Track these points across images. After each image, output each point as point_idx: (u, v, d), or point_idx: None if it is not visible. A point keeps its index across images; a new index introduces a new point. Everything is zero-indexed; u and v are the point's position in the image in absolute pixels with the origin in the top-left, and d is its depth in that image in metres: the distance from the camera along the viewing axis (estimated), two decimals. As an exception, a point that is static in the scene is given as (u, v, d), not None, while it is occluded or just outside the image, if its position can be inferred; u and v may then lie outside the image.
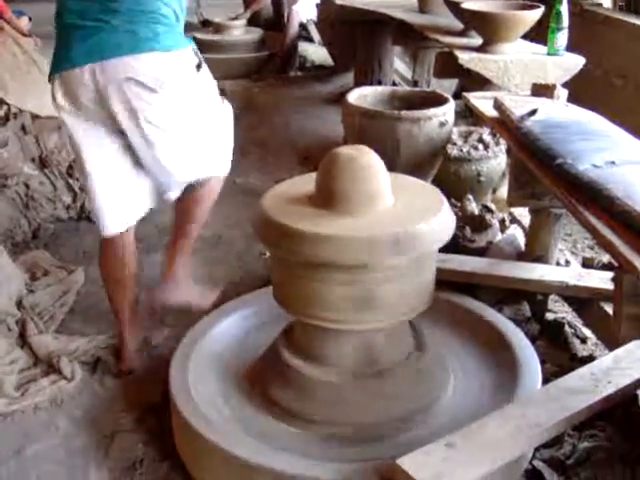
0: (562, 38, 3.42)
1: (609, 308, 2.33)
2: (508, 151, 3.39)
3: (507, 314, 2.55)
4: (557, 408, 1.80)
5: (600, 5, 4.59)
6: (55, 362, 2.48)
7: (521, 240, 2.95)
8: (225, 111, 2.55)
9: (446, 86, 4.64)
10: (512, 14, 3.54)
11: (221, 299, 2.70)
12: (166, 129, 2.28)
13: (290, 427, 2.08)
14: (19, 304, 2.80)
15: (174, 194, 2.49)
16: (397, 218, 1.95)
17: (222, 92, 5.10)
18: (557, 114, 2.61)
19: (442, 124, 3.19)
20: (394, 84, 5.41)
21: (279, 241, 1.94)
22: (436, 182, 3.20)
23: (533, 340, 2.42)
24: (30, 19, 6.27)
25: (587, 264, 2.86)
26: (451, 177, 3.47)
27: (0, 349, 2.50)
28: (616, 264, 1.93)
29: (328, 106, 5.47)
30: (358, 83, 5.06)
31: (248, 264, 3.26)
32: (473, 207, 3.07)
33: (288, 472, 1.81)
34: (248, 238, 3.35)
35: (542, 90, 2.85)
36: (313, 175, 2.07)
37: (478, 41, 3.70)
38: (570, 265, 2.86)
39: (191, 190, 2.51)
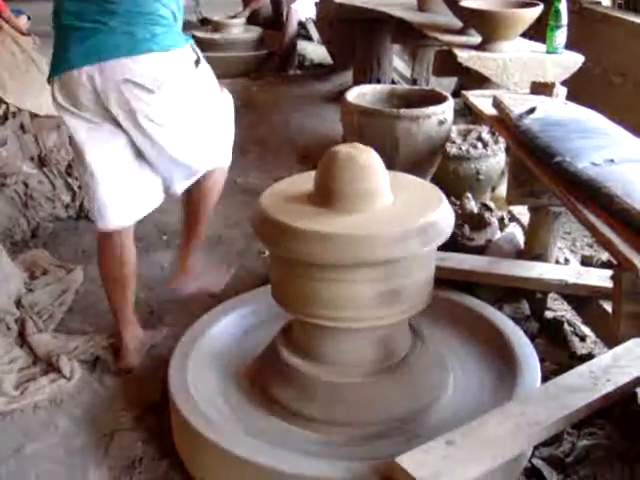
0: (561, 36, 3.42)
1: (608, 306, 2.33)
2: (507, 149, 3.39)
3: (506, 312, 2.55)
4: (556, 406, 1.80)
5: (599, 3, 4.58)
6: (54, 361, 2.48)
7: (520, 238, 2.95)
8: (225, 101, 2.57)
9: (445, 84, 4.64)
10: (511, 12, 3.54)
11: (225, 292, 2.76)
12: (168, 126, 2.28)
13: (290, 425, 2.08)
14: (18, 303, 2.80)
15: (180, 187, 2.49)
16: (396, 216, 1.95)
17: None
18: (556, 112, 2.61)
19: (441, 122, 3.19)
20: (393, 82, 5.41)
21: (278, 239, 1.94)
22: (435, 180, 3.21)
23: (532, 338, 2.42)
24: (29, 18, 6.27)
25: (586, 262, 2.86)
26: (450, 175, 3.47)
27: (-1, 348, 2.51)
28: (615, 262, 1.93)
29: (327, 104, 5.47)
30: (357, 81, 5.06)
31: (247, 263, 3.26)
32: (472, 205, 3.07)
33: (287, 471, 1.81)
34: (248, 237, 3.35)
35: (541, 88, 2.85)
36: (312, 173, 2.07)
37: (477, 39, 3.70)
38: (569, 263, 2.86)
39: (197, 185, 2.54)
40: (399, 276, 1.95)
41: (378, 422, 2.05)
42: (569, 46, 3.50)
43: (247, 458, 1.84)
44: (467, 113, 3.97)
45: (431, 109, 3.18)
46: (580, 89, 3.19)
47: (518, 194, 2.69)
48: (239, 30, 6.93)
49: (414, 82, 5.43)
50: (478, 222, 2.94)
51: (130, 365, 2.52)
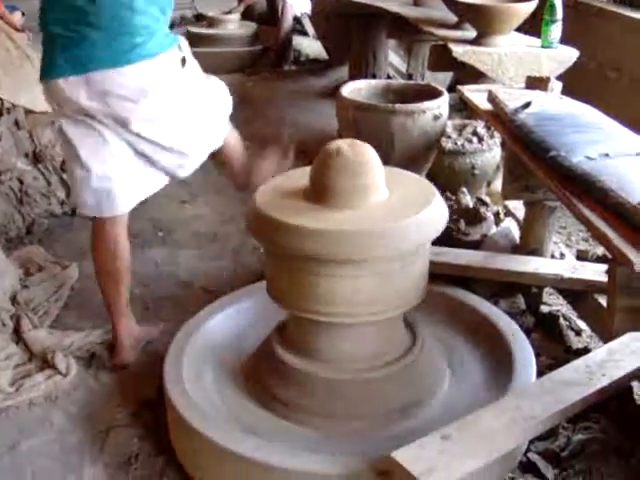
0: (556, 31, 3.42)
1: (604, 300, 2.33)
2: (502, 144, 3.39)
3: (502, 307, 2.55)
4: (552, 400, 1.81)
5: (594, -3, 4.58)
6: (50, 357, 2.48)
7: (516, 233, 2.95)
8: (213, 85, 2.58)
9: (440, 79, 4.63)
10: (506, 7, 3.54)
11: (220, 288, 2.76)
12: (160, 125, 2.29)
13: (285, 422, 2.08)
14: (13, 299, 2.79)
15: (184, 173, 2.50)
16: (390, 212, 1.95)
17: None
18: (551, 107, 2.61)
19: (436, 117, 3.19)
20: (389, 77, 5.41)
21: (272, 236, 1.94)
22: (431, 175, 3.21)
23: (528, 333, 2.42)
24: (23, 14, 6.24)
25: (582, 257, 2.86)
26: (445, 170, 3.47)
27: (-6, 345, 2.50)
28: (610, 256, 1.93)
29: (323, 100, 5.46)
30: (353, 76, 5.06)
31: (243, 259, 3.26)
32: (468, 200, 3.07)
33: (283, 466, 1.81)
34: (243, 233, 3.35)
35: (536, 83, 2.86)
36: (307, 169, 2.06)
37: (472, 34, 3.70)
38: (565, 258, 2.86)
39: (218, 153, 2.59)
40: (393, 271, 1.95)
41: (375, 417, 2.05)
42: (564, 40, 3.51)
43: (243, 454, 1.84)
44: (462, 108, 3.97)
45: (426, 104, 3.17)
46: (575, 84, 3.20)
47: (513, 189, 2.69)
48: (234, 26, 6.91)
49: (410, 77, 5.43)
50: (474, 217, 2.94)
51: (126, 361, 2.52)
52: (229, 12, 7.15)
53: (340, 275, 1.92)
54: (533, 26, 3.65)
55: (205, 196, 3.96)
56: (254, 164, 2.73)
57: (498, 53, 3.50)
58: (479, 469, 1.65)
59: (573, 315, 2.67)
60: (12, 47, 4.01)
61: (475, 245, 2.81)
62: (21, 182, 3.58)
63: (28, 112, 3.76)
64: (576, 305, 2.62)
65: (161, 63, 2.24)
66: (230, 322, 2.47)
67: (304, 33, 7.10)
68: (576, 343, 2.54)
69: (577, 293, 2.55)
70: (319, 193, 1.98)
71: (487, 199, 3.15)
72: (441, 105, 3.22)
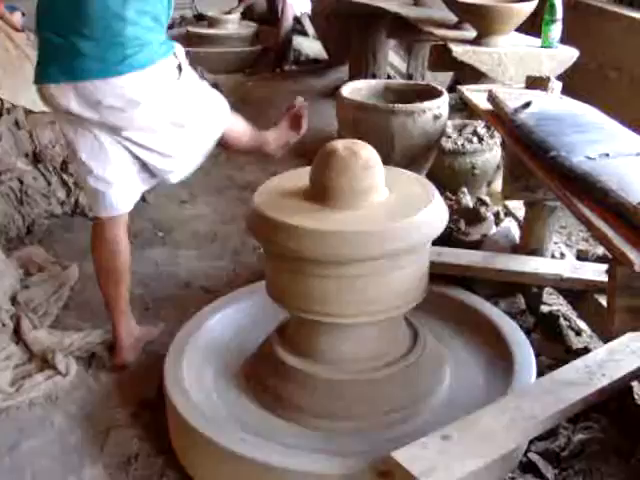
0: (556, 30, 3.42)
1: (604, 300, 2.32)
2: (502, 144, 3.38)
3: (502, 307, 2.55)
4: (552, 400, 1.81)
5: (594, -3, 4.58)
6: (50, 357, 2.48)
7: (516, 233, 2.95)
8: (206, 90, 2.54)
9: (441, 79, 4.63)
10: (506, 7, 3.54)
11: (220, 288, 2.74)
12: (153, 132, 2.30)
13: (286, 422, 2.08)
14: (13, 300, 2.79)
15: (175, 178, 2.50)
16: (391, 212, 1.95)
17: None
18: (551, 107, 2.61)
19: (436, 117, 3.19)
20: (389, 77, 5.41)
21: (271, 236, 1.94)
22: (431, 175, 3.20)
23: (528, 333, 2.42)
24: (23, 14, 6.23)
25: (582, 256, 2.86)
26: (446, 170, 3.47)
27: (-6, 345, 2.50)
28: (610, 256, 1.93)
29: (323, 100, 5.45)
30: (353, 77, 5.06)
31: (243, 259, 3.26)
32: (468, 200, 3.07)
33: (283, 466, 1.81)
34: (243, 233, 3.35)
35: (536, 83, 2.85)
36: (307, 169, 2.06)
37: (472, 34, 3.70)
38: (565, 258, 2.86)
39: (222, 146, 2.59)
40: (394, 272, 1.95)
41: (375, 418, 2.05)
42: (564, 40, 3.50)
43: (243, 454, 1.84)
44: (463, 108, 3.96)
45: (426, 104, 3.17)
46: (575, 83, 3.19)
47: (514, 189, 2.69)
48: (234, 25, 6.91)
49: (410, 77, 5.42)
50: (474, 217, 2.94)
51: (126, 361, 2.52)
52: (229, 12, 7.15)
53: (340, 276, 1.92)
54: (533, 26, 3.65)
55: (205, 196, 3.96)
56: (266, 134, 2.76)
57: (498, 53, 3.49)
58: (479, 469, 1.65)
59: (573, 315, 2.66)
60: (12, 47, 4.01)
61: (475, 245, 2.81)
62: (21, 182, 3.57)
63: (28, 112, 3.76)
64: (576, 305, 2.62)
65: (153, 73, 2.22)
66: (230, 322, 2.47)
67: (304, 33, 7.09)
68: (576, 343, 2.54)
69: (577, 293, 2.55)
70: (319, 193, 1.98)
71: (487, 199, 3.15)
72: (441, 105, 3.22)
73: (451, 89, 3.75)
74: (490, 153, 3.53)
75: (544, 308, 2.70)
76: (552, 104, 2.65)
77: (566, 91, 2.88)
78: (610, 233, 1.80)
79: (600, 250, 2.84)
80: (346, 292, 1.94)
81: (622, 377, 1.91)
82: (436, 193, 2.07)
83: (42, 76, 2.24)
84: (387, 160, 2.21)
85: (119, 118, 2.22)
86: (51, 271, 3.03)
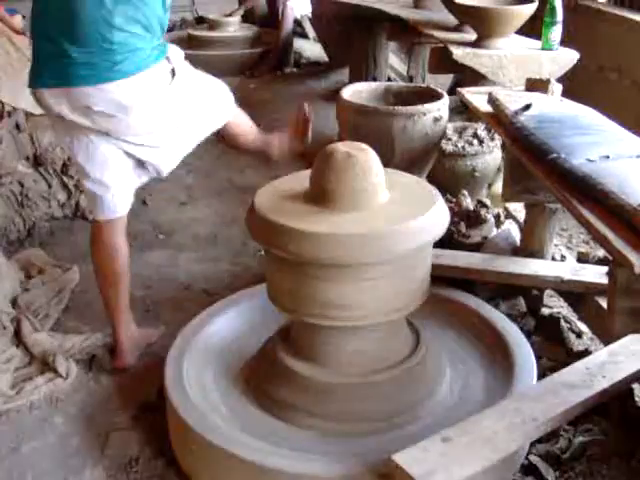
0: (556, 32, 3.42)
1: (604, 303, 2.32)
2: (503, 146, 3.38)
3: (503, 309, 2.55)
4: (553, 403, 1.80)
5: (594, -1, 4.59)
6: (50, 360, 2.48)
7: (516, 235, 2.95)
8: (209, 86, 2.57)
9: (441, 82, 4.64)
10: (506, 9, 3.54)
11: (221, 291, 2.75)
12: (146, 134, 2.31)
13: (287, 425, 2.08)
14: (14, 302, 2.79)
15: (167, 170, 2.51)
16: (391, 215, 1.95)
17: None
18: (551, 109, 2.61)
19: (436, 119, 3.19)
20: (389, 80, 5.41)
21: (272, 239, 1.94)
22: (431, 178, 3.21)
23: (529, 335, 2.42)
24: (24, 17, 6.24)
25: (582, 259, 2.86)
26: (446, 173, 3.47)
27: (-5, 348, 2.50)
28: (611, 258, 1.93)
29: (323, 102, 5.45)
30: (353, 79, 5.05)
31: (244, 261, 3.26)
32: (468, 202, 3.07)
33: (284, 469, 1.81)
34: (244, 235, 3.34)
35: (536, 85, 2.86)
36: (307, 172, 2.06)
37: (472, 36, 3.70)
38: (565, 260, 2.86)
39: (221, 138, 2.65)
40: (395, 274, 1.95)
41: (376, 421, 2.05)
42: (564, 42, 3.50)
43: (243, 457, 1.84)
44: (463, 110, 3.96)
45: (426, 106, 3.17)
46: (576, 85, 3.20)
47: (514, 191, 2.69)
48: (235, 28, 6.91)
49: (410, 79, 5.42)
50: (474, 219, 2.94)
51: (126, 364, 2.52)
52: (230, 15, 7.15)
53: (341, 279, 1.92)
54: (533, 28, 3.65)
55: (206, 199, 3.96)
56: (272, 137, 2.80)
57: (498, 55, 3.49)
58: (479, 472, 1.64)
59: (574, 317, 2.66)
60: (12, 50, 4.01)
61: (476, 247, 2.81)
62: (22, 185, 3.57)
63: (29, 115, 3.75)
64: (577, 307, 2.62)
65: (144, 79, 2.22)
66: (231, 324, 2.47)
67: (305, 36, 7.10)
68: (577, 345, 2.54)
69: (578, 295, 2.55)
70: (320, 196, 1.98)
71: (488, 201, 3.15)
72: (441, 107, 3.22)
73: (451, 91, 3.75)
74: (490, 155, 3.53)
75: (545, 310, 2.70)
76: (552, 106, 2.65)
77: (566, 93, 2.88)
78: (610, 235, 1.80)
79: (601, 252, 2.84)
80: (347, 295, 1.94)
81: (623, 379, 1.90)
82: (438, 195, 2.07)
83: (35, 80, 2.26)
84: (387, 163, 2.21)
85: (111, 123, 2.23)
86: (52, 274, 3.03)
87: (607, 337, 2.15)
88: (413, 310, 2.07)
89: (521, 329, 2.36)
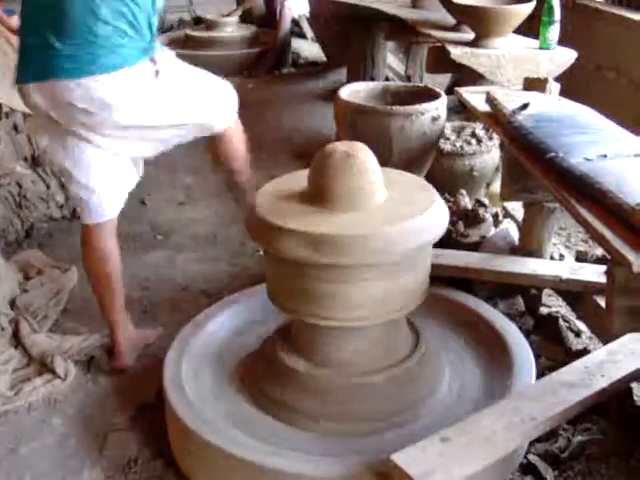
0: (554, 32, 3.42)
1: (603, 302, 2.33)
2: (501, 146, 3.38)
3: (501, 309, 2.55)
4: (551, 402, 1.81)
5: (592, -2, 4.58)
6: (49, 361, 2.48)
7: (515, 234, 2.95)
8: (207, 84, 2.52)
9: (439, 81, 4.64)
10: (504, 8, 3.54)
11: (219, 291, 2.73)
12: (130, 129, 2.28)
13: (286, 425, 2.08)
14: (12, 304, 2.79)
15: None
16: (390, 215, 1.95)
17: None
18: (549, 108, 2.61)
19: (434, 119, 3.19)
20: (387, 79, 5.40)
21: (270, 239, 1.94)
22: (429, 177, 3.20)
23: (527, 334, 2.43)
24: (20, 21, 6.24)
25: (581, 258, 2.86)
26: (444, 172, 3.47)
27: (-6, 349, 2.50)
28: (609, 257, 1.93)
29: (321, 102, 5.46)
30: (351, 79, 5.05)
31: (242, 261, 3.26)
32: (466, 202, 3.07)
33: (283, 469, 1.81)
34: (243, 235, 3.34)
35: (534, 84, 2.85)
36: (305, 172, 2.06)
37: (470, 36, 3.70)
38: (564, 259, 2.86)
39: (214, 147, 2.60)
40: (394, 274, 1.95)
41: (376, 421, 2.05)
42: (562, 42, 3.50)
43: (242, 457, 1.84)
44: (461, 110, 3.96)
45: (424, 106, 3.17)
46: (573, 85, 3.19)
47: (512, 190, 2.69)
48: (232, 28, 6.91)
49: (408, 79, 5.42)
50: (472, 219, 2.93)
51: (124, 365, 2.52)
52: (227, 15, 7.15)
53: (340, 279, 1.92)
54: (531, 27, 3.64)
55: (204, 199, 3.95)
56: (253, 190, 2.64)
57: (496, 55, 3.49)
58: (478, 471, 1.65)
59: (572, 316, 2.66)
60: (10, 51, 4.00)
61: (474, 247, 2.81)
62: (20, 186, 3.57)
63: (27, 116, 3.75)
64: (575, 306, 2.62)
65: (126, 77, 2.19)
66: (229, 325, 2.47)
67: (302, 36, 7.10)
68: (576, 344, 2.54)
69: (576, 294, 2.55)
70: (318, 196, 1.98)
71: (486, 201, 3.15)
72: (439, 107, 3.22)
73: (449, 91, 3.75)
74: (488, 155, 3.53)
75: (543, 310, 2.70)
76: (550, 105, 2.65)
77: (564, 92, 2.88)
78: (609, 234, 1.80)
79: (599, 251, 2.84)
80: (346, 295, 1.94)
81: (621, 378, 1.91)
82: (437, 195, 2.07)
83: (20, 75, 2.25)
84: (385, 162, 2.21)
85: (93, 119, 2.20)
86: (50, 275, 3.03)
87: (606, 336, 2.15)
88: (412, 309, 2.07)
89: (520, 328, 2.36)
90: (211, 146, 2.62)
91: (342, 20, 5.35)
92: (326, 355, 2.09)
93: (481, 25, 3.58)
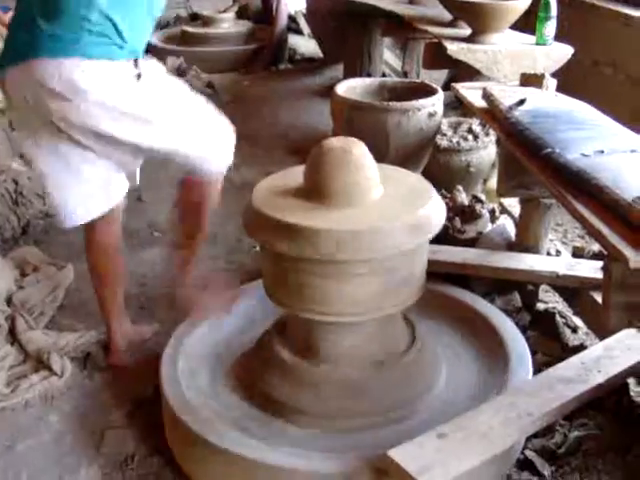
0: (550, 27, 3.43)
1: (599, 297, 2.32)
2: (498, 141, 3.38)
3: (498, 304, 2.55)
4: (548, 397, 1.81)
5: (588, -6, 4.58)
6: (45, 358, 2.48)
7: (511, 230, 2.95)
8: (201, 108, 2.38)
9: (435, 77, 4.63)
10: (500, 4, 3.54)
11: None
12: (103, 125, 2.14)
13: (282, 420, 2.08)
14: (9, 300, 2.78)
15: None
16: (386, 211, 1.95)
17: (211, 85, 5.07)
18: (546, 104, 2.61)
19: (431, 115, 3.19)
20: (384, 75, 5.40)
21: (266, 234, 1.94)
22: (426, 173, 3.20)
23: (524, 330, 2.43)
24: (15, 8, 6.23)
25: (577, 254, 2.86)
26: (441, 168, 3.47)
27: (-11, 346, 2.50)
28: (605, 253, 1.93)
29: (318, 99, 5.46)
30: (348, 75, 5.05)
31: (239, 258, 3.26)
32: (463, 198, 3.07)
33: (279, 465, 1.81)
34: (239, 232, 3.34)
35: (531, 80, 2.85)
36: (302, 168, 2.06)
37: (467, 31, 3.70)
38: (560, 255, 2.86)
39: (181, 193, 2.44)
40: (390, 270, 1.95)
41: (372, 416, 2.05)
42: (559, 37, 3.50)
43: (239, 454, 1.84)
44: (458, 106, 3.96)
45: (421, 102, 3.17)
46: (570, 80, 3.19)
47: (509, 186, 2.69)
48: (229, 24, 6.90)
49: (405, 75, 5.42)
50: (469, 215, 2.93)
51: (121, 361, 2.52)
52: (224, 11, 7.14)
53: (336, 274, 1.92)
54: (528, 23, 3.64)
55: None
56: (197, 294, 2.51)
57: (493, 50, 3.49)
58: (475, 467, 1.65)
59: (569, 312, 2.66)
60: (5, 47, 4.00)
61: (471, 243, 2.81)
62: (16, 183, 3.56)
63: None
64: (572, 302, 2.62)
65: (105, 69, 2.09)
66: (226, 321, 2.46)
67: (299, 32, 7.09)
68: (572, 340, 2.54)
69: (573, 290, 2.55)
70: (314, 192, 1.97)
71: (482, 197, 3.15)
72: (436, 103, 3.22)
73: (446, 87, 3.75)
74: (485, 151, 3.53)
75: (540, 305, 2.70)
76: (547, 101, 2.65)
77: (561, 88, 2.88)
78: (605, 230, 1.80)
79: (596, 247, 2.84)
80: (342, 291, 1.94)
81: (618, 374, 1.91)
82: (433, 191, 2.07)
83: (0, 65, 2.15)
84: (382, 158, 2.21)
85: (68, 108, 2.07)
86: (46, 272, 3.02)
87: (602, 332, 2.15)
88: (409, 305, 2.07)
89: (516, 324, 2.37)
90: (185, 188, 2.43)
91: (339, 16, 5.35)
92: (322, 350, 2.09)
93: (478, 21, 3.58)
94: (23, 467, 2.12)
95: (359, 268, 1.91)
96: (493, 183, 3.25)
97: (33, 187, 3.60)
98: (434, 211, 2.00)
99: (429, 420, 1.98)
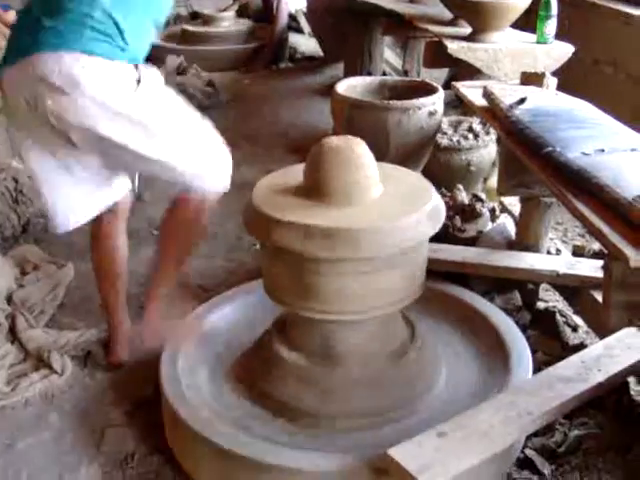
0: (551, 26, 3.43)
1: (600, 296, 2.32)
2: (498, 140, 3.38)
3: (498, 303, 2.55)
4: (548, 396, 1.81)
5: (589, -7, 4.58)
6: (45, 356, 2.48)
7: (511, 229, 2.95)
8: (197, 126, 2.32)
9: (436, 76, 4.63)
10: (501, 3, 3.54)
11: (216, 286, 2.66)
12: (97, 122, 2.10)
13: (282, 419, 2.08)
14: (9, 299, 2.79)
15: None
16: (386, 209, 1.95)
17: (211, 84, 5.06)
18: (546, 102, 2.61)
19: (431, 114, 3.19)
20: (384, 74, 5.40)
21: (266, 233, 1.93)
22: (426, 172, 3.20)
23: (524, 329, 2.43)
24: (17, 12, 6.22)
25: (578, 252, 2.86)
26: (441, 167, 3.47)
27: (-10, 344, 2.50)
28: (606, 252, 1.93)
29: (318, 97, 5.46)
30: (348, 74, 5.05)
31: (239, 257, 3.26)
32: (463, 197, 3.07)
33: (280, 464, 1.81)
34: (239, 230, 3.34)
35: (531, 78, 2.85)
36: (302, 166, 2.06)
37: (467, 30, 3.70)
38: (561, 254, 2.86)
39: (177, 207, 2.38)
40: (390, 268, 1.95)
41: (371, 414, 2.05)
42: (559, 36, 3.50)
43: (239, 453, 1.84)
44: (458, 104, 3.96)
45: (421, 100, 3.17)
46: (571, 79, 3.19)
47: (509, 185, 2.69)
48: (229, 23, 6.90)
49: (405, 74, 5.42)
50: (469, 213, 2.93)
51: (121, 360, 2.52)
52: (224, 10, 7.14)
53: (336, 273, 1.92)
54: (528, 22, 3.64)
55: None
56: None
57: (493, 49, 3.49)
58: (475, 466, 1.65)
59: (569, 311, 2.66)
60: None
61: (471, 241, 2.81)
62: (16, 181, 3.56)
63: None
64: (572, 301, 2.62)
65: (105, 67, 2.07)
66: (226, 320, 2.46)
67: (299, 30, 7.09)
68: (572, 339, 2.54)
69: (573, 289, 2.55)
70: (314, 190, 1.97)
71: (483, 195, 3.15)
72: (436, 101, 3.22)
73: (446, 85, 3.74)
74: (485, 149, 3.53)
75: (540, 304, 2.70)
76: (547, 100, 2.65)
77: (561, 87, 2.88)
78: (606, 229, 1.80)
79: (596, 246, 2.83)
80: (343, 289, 1.93)
81: (618, 373, 1.91)
82: (433, 190, 2.07)
83: (1, 67, 2.14)
84: (382, 157, 2.21)
85: (65, 103, 2.04)
86: (47, 270, 3.02)
87: (602, 331, 2.15)
88: (409, 304, 2.07)
89: (516, 323, 2.36)
90: (179, 206, 2.35)
91: (339, 15, 5.35)
92: (323, 349, 2.09)
93: (478, 19, 3.58)
94: (23, 465, 2.12)
95: (359, 266, 1.91)
96: (493, 182, 3.25)
97: (33, 185, 3.60)
98: (434, 210, 1.99)
99: (429, 419, 1.98)
